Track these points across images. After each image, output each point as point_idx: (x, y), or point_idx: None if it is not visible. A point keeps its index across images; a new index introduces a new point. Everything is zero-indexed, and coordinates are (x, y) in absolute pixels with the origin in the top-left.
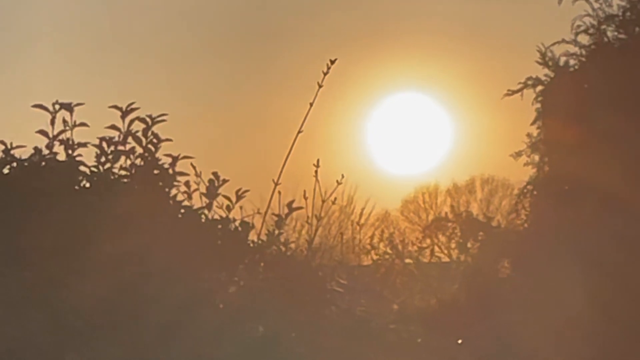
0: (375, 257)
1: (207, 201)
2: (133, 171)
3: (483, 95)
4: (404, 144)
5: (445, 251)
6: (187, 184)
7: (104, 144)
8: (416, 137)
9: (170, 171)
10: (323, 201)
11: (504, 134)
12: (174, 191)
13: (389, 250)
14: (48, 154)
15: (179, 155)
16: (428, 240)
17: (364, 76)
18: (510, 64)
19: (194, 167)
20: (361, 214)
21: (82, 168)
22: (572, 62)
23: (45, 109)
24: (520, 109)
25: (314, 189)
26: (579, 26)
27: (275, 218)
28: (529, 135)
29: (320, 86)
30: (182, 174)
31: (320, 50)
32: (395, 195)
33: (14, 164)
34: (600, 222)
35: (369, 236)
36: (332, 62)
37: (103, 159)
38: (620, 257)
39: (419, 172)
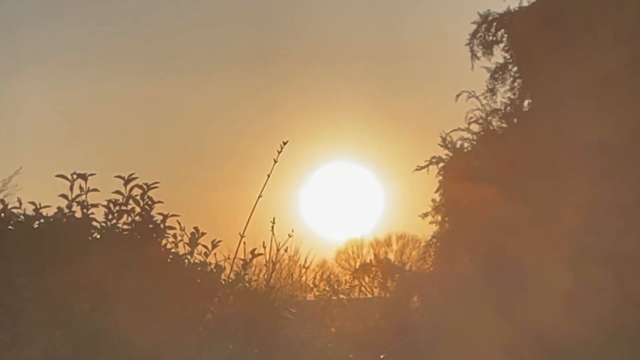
0: (317, 294)
1: (190, 249)
2: (133, 226)
3: (396, 170)
4: (338, 207)
5: (369, 289)
6: (174, 235)
7: (111, 205)
8: (346, 202)
9: (162, 226)
10: (278, 249)
11: (414, 200)
12: (164, 241)
13: (327, 288)
14: (68, 213)
15: (168, 213)
16: (356, 281)
17: (298, 151)
18: (420, 145)
19: (179, 223)
20: (305, 261)
21: (94, 223)
22: (465, 145)
23: (66, 178)
24: (427, 180)
25: (271, 240)
26: (471, 117)
27: (242, 262)
28: (433, 200)
29: (275, 162)
30: (170, 227)
31: (274, 126)
32: (331, 247)
33: (42, 220)
34: (488, 268)
35: (311, 278)
36: (285, 143)
37: (110, 217)
38: (497, 293)
39: (349, 229)
